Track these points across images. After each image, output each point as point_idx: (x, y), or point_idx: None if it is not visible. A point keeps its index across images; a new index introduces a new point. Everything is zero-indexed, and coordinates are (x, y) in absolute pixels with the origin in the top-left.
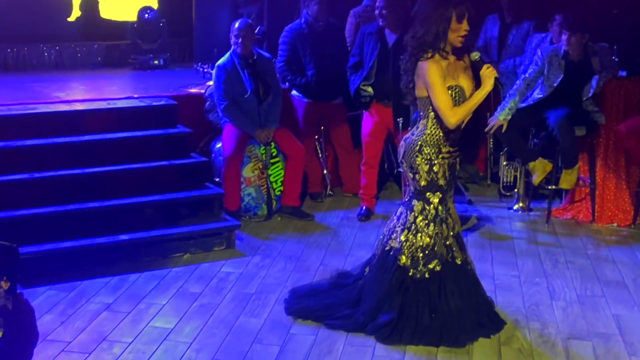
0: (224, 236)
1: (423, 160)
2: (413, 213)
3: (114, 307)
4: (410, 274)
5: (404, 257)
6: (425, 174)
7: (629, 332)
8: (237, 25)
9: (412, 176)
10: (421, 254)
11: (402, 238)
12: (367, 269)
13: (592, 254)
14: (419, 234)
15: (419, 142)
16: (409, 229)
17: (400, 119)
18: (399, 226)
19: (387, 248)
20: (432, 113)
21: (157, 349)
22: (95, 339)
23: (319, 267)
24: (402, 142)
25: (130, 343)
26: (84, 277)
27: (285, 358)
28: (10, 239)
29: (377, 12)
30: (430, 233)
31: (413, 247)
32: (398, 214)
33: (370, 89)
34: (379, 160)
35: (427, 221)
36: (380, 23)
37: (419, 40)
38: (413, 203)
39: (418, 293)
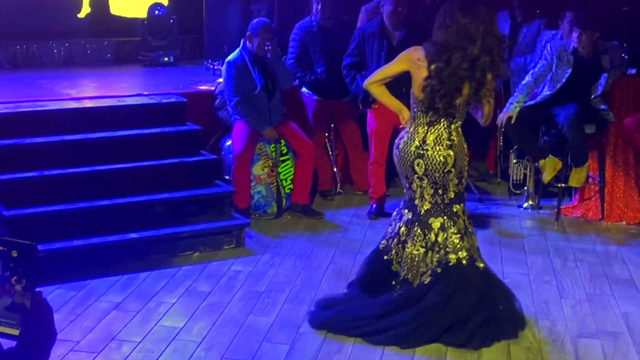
0: (234, 234)
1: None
2: (461, 217)
3: (123, 306)
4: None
5: (480, 262)
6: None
7: (637, 331)
8: (262, 26)
9: (457, 181)
10: (478, 254)
11: (466, 244)
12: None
13: (601, 252)
14: (472, 235)
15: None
16: (463, 234)
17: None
18: (455, 236)
19: (451, 263)
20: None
21: (166, 348)
22: (104, 338)
23: (329, 265)
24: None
25: (140, 342)
26: (93, 276)
27: (294, 357)
28: (21, 236)
29: (389, 9)
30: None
31: (474, 249)
32: (439, 226)
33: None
34: (386, 158)
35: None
36: (388, 23)
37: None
38: (455, 209)
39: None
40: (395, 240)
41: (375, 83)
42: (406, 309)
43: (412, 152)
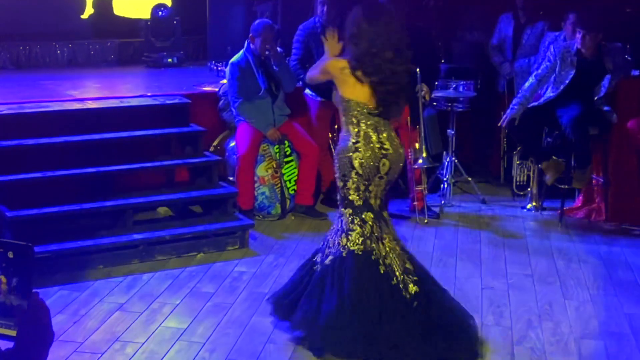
0: (238, 235)
1: None
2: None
3: (126, 307)
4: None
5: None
6: None
7: None
8: (263, 27)
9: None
10: None
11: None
12: None
13: (605, 253)
14: None
15: None
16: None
17: (408, 117)
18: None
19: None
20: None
21: (170, 349)
22: (108, 339)
23: None
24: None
25: (143, 343)
26: (96, 277)
27: (298, 358)
28: (23, 237)
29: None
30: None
31: None
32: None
33: None
34: None
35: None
36: None
37: None
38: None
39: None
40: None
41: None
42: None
43: (377, 153)
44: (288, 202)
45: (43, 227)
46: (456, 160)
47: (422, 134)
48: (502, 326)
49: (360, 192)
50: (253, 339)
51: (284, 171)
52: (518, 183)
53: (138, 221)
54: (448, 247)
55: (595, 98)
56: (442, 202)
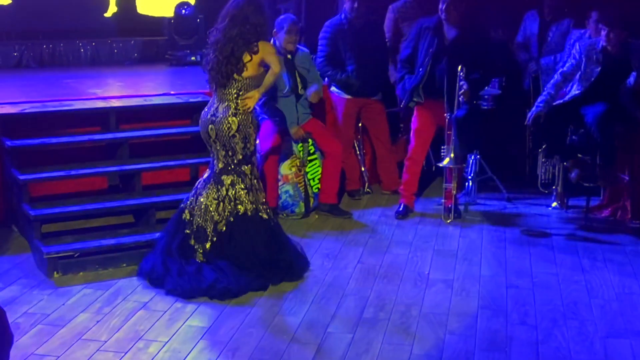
0: None
1: None
2: (248, 176)
3: (150, 306)
4: None
5: (264, 214)
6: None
7: None
8: (288, 23)
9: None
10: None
11: (252, 198)
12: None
13: (630, 251)
14: (258, 192)
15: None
16: (249, 189)
17: (447, 114)
18: (242, 191)
19: (240, 213)
20: None
21: (193, 348)
22: (131, 338)
23: (357, 265)
24: None
25: (167, 342)
26: (120, 276)
27: (322, 357)
28: (47, 236)
29: (441, 6)
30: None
31: (259, 203)
32: (230, 183)
33: (419, 98)
34: (425, 157)
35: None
36: (443, 17)
37: None
38: (243, 169)
39: None
40: (192, 192)
41: None
42: (218, 259)
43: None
44: (312, 200)
45: (67, 225)
46: (481, 158)
47: (453, 134)
48: (527, 325)
49: None
50: (276, 338)
51: (307, 169)
52: (543, 181)
53: (161, 219)
54: (472, 245)
55: (621, 96)
56: (467, 200)
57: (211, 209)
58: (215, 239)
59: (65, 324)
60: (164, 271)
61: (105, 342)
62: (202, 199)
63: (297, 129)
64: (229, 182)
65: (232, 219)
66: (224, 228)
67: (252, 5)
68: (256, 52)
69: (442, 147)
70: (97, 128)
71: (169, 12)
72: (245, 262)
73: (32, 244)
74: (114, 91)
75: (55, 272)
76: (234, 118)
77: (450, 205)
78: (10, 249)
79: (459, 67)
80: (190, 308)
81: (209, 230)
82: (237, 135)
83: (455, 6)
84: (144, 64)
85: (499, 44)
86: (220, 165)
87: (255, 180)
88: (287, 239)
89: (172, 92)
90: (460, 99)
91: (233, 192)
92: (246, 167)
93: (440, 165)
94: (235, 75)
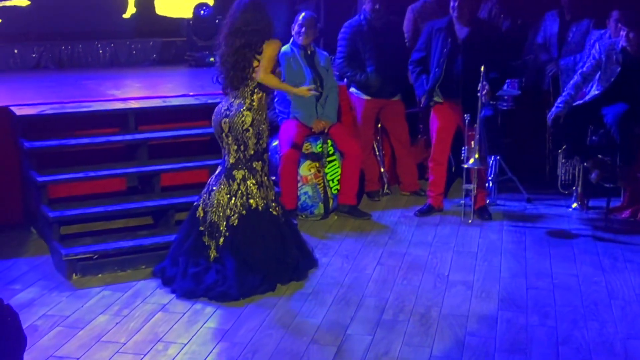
0: None
1: None
2: (259, 172)
3: (169, 308)
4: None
5: (274, 210)
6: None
7: None
8: (301, 16)
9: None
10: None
11: (262, 194)
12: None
13: None
14: (269, 188)
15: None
16: (260, 185)
17: (467, 115)
18: (253, 186)
19: (252, 207)
20: None
21: (212, 350)
22: (151, 339)
23: (376, 266)
24: None
25: (186, 344)
26: (139, 278)
27: (341, 359)
28: (66, 238)
29: (453, 4)
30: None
31: (269, 199)
32: (241, 177)
33: (439, 97)
34: (448, 157)
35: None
36: (455, 15)
37: None
38: (254, 165)
39: None
40: (205, 189)
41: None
42: (230, 255)
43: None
44: (331, 201)
45: (85, 227)
46: (501, 159)
47: (477, 135)
48: (547, 326)
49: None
50: (296, 340)
51: (326, 171)
52: (563, 182)
53: (180, 221)
54: (493, 246)
55: None
56: (487, 201)
57: (223, 203)
58: (228, 233)
59: (84, 326)
60: (174, 271)
61: (124, 344)
62: (214, 195)
63: (318, 122)
64: (240, 177)
65: (244, 212)
66: (236, 222)
67: (250, 11)
68: (261, 54)
69: (463, 148)
70: (115, 129)
71: (188, 13)
72: (255, 260)
73: (50, 245)
74: (133, 92)
75: (74, 274)
76: (248, 112)
77: (482, 206)
78: (29, 251)
79: (482, 68)
80: (209, 310)
81: (222, 226)
82: (251, 130)
83: (466, 4)
84: (163, 65)
85: (511, 42)
86: (232, 161)
87: (265, 178)
88: (297, 237)
89: (190, 93)
90: (483, 99)
91: (244, 187)
92: (257, 164)
93: (466, 166)
94: (248, 81)
